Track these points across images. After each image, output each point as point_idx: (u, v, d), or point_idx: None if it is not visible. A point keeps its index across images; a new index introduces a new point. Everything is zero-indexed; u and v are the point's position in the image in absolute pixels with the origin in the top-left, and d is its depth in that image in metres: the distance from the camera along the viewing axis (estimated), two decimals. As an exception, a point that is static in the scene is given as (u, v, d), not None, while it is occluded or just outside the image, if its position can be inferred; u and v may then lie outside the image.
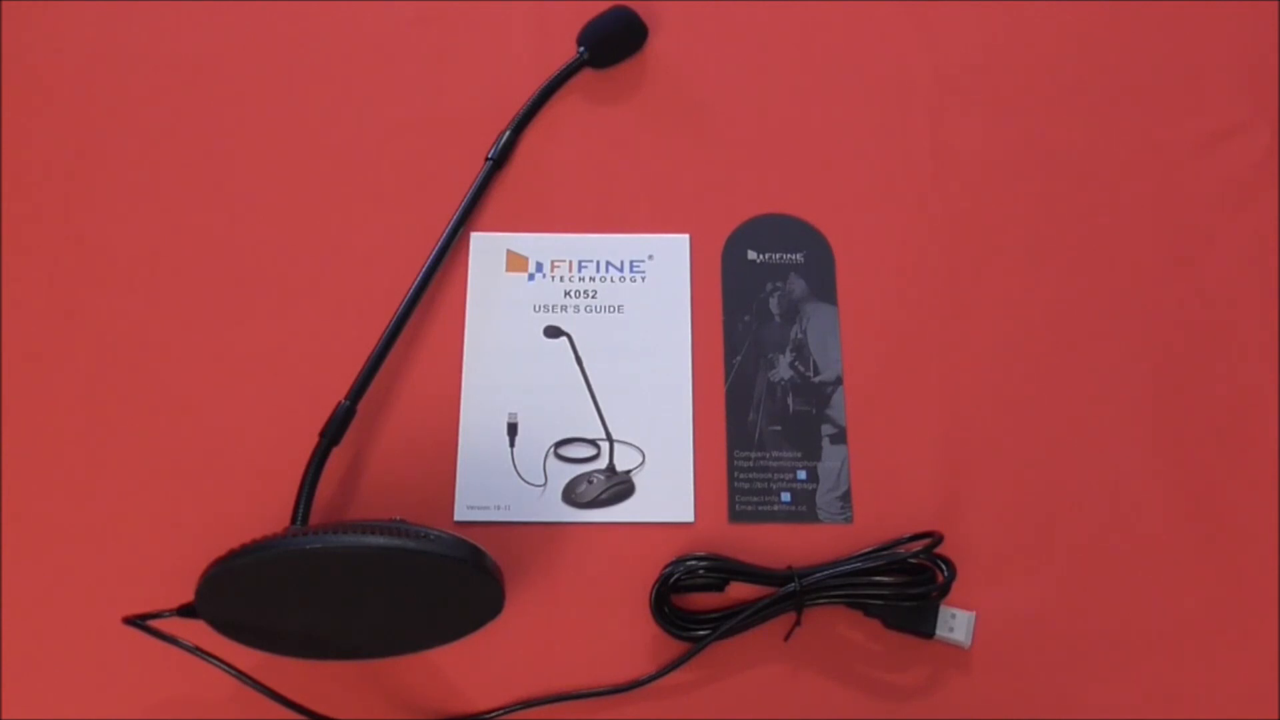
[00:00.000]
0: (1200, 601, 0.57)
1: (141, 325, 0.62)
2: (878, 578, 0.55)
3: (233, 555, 0.48)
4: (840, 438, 0.60)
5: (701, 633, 0.54)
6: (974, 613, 0.55)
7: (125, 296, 0.63)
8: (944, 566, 0.54)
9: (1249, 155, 0.67)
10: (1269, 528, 0.59)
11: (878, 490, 0.59)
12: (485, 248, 0.64)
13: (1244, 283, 0.64)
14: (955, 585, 0.54)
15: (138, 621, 0.51)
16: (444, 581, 0.50)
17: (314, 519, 0.56)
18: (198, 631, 0.51)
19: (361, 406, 0.58)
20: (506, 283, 0.63)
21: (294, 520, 0.54)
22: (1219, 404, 0.61)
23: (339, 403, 0.57)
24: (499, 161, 0.65)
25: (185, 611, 0.50)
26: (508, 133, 0.66)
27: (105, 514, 0.58)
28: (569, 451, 0.60)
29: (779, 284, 0.64)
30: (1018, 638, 0.56)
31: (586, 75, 0.69)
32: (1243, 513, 0.59)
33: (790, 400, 0.61)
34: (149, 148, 0.66)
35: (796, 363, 0.62)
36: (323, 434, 0.56)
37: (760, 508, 0.59)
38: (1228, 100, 0.69)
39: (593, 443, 0.60)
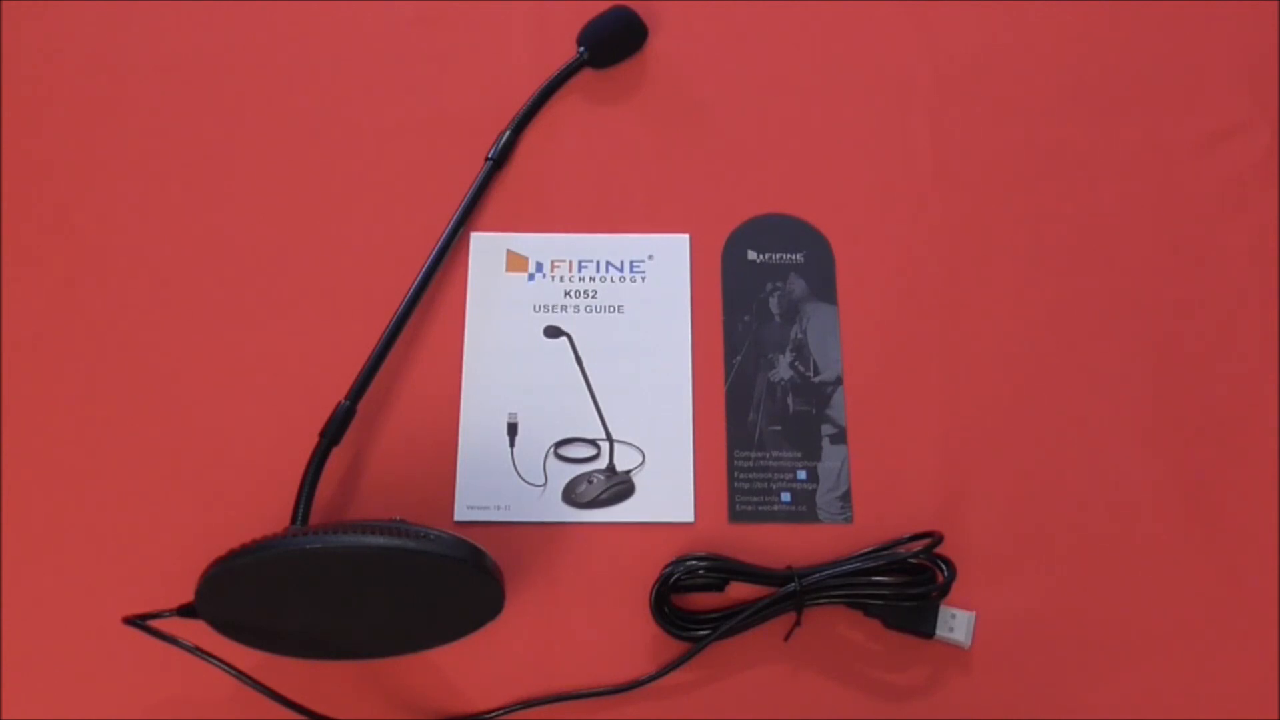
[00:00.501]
0: (1200, 601, 0.57)
1: (142, 325, 0.62)
2: (878, 578, 0.55)
3: (233, 555, 0.48)
4: (840, 438, 0.60)
5: (701, 633, 0.54)
6: (974, 613, 0.55)
7: (125, 296, 0.63)
8: (944, 566, 0.54)
9: (1249, 155, 0.67)
10: (1269, 528, 0.59)
11: (878, 490, 0.59)
12: (485, 248, 0.64)
13: (1244, 283, 0.64)
14: (955, 585, 0.54)
15: (138, 621, 0.51)
16: (444, 581, 0.50)
17: (314, 519, 0.56)
18: (198, 631, 0.51)
19: (361, 406, 0.58)
20: (506, 283, 0.63)
21: (294, 520, 0.54)
22: (1219, 404, 0.61)
23: (339, 403, 0.57)
24: (499, 161, 0.65)
25: (185, 611, 0.50)
26: (508, 133, 0.66)
27: (105, 514, 0.58)
28: (569, 451, 0.59)
29: (779, 284, 0.64)
30: (1018, 638, 0.56)
31: (586, 75, 0.69)
32: (1243, 513, 0.59)
33: (790, 400, 0.61)
34: (149, 148, 0.66)
35: (796, 363, 0.62)
36: (323, 434, 0.56)
37: (760, 508, 0.59)
38: (1228, 100, 0.69)
39: (593, 443, 0.60)
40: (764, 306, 0.63)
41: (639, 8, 0.69)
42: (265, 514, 0.55)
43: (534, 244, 0.64)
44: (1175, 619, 0.57)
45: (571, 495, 0.59)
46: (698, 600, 0.56)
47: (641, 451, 0.60)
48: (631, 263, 0.64)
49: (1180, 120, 0.68)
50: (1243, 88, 0.69)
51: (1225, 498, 0.59)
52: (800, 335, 0.62)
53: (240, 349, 0.61)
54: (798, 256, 0.64)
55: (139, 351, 0.61)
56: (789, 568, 0.55)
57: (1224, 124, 0.68)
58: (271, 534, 0.49)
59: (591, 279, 0.63)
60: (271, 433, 0.59)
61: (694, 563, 0.55)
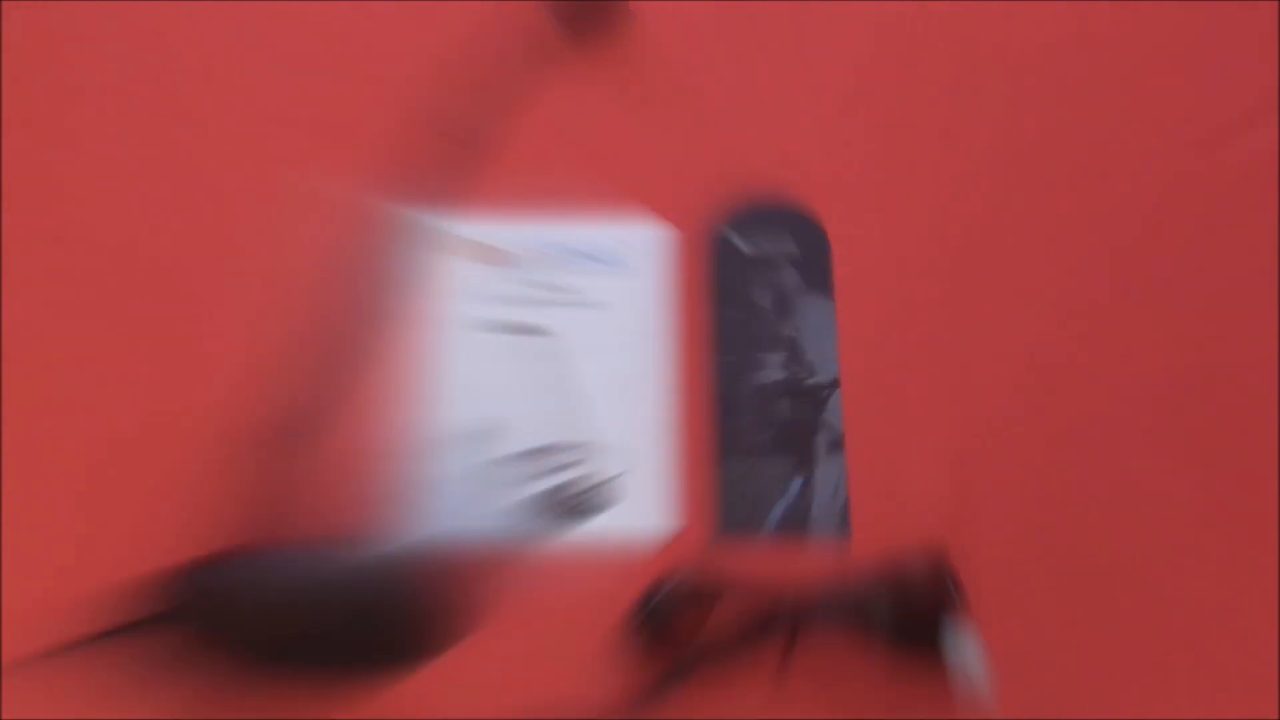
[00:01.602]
0: (1203, 603, 0.57)
1: (140, 325, 0.61)
2: (877, 597, 0.54)
3: (208, 566, 0.50)
4: (837, 445, 0.59)
5: (686, 656, 0.53)
6: (981, 640, 0.53)
7: (123, 296, 0.62)
8: (949, 584, 0.53)
9: (1249, 155, 0.67)
10: (1269, 527, 0.59)
11: (878, 502, 0.58)
12: (457, 239, 0.63)
13: (1244, 282, 0.64)
14: (961, 603, 0.53)
15: (125, 630, 0.51)
16: (411, 600, 0.50)
17: (288, 523, 0.56)
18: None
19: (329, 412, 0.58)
20: (479, 276, 0.62)
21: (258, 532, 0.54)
22: (1224, 406, 0.61)
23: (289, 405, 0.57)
24: (473, 150, 0.64)
25: (171, 617, 0.51)
26: (481, 121, 0.64)
27: (105, 514, 0.57)
28: (544, 459, 0.58)
29: (771, 277, 0.63)
30: (1028, 660, 0.55)
31: (571, 61, 0.67)
32: (1246, 513, 0.59)
33: (783, 404, 0.60)
34: (145, 147, 0.65)
35: (790, 363, 0.61)
36: (281, 438, 0.56)
37: (750, 522, 0.58)
38: (1228, 100, 0.69)
39: (570, 449, 0.59)
40: (754, 302, 0.62)
41: (631, -8, 0.68)
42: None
43: (509, 235, 0.63)
44: (1178, 624, 0.57)
45: (547, 506, 0.57)
46: (682, 621, 0.55)
47: (622, 460, 0.58)
48: (613, 255, 0.63)
49: (1180, 120, 0.68)
50: (1242, 88, 0.69)
51: (1231, 499, 0.59)
52: (794, 333, 0.61)
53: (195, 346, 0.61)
54: (791, 247, 0.63)
55: (138, 350, 0.61)
56: (781, 586, 0.54)
57: (1224, 124, 0.68)
58: (246, 547, 0.51)
59: (570, 272, 0.62)
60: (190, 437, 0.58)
61: (678, 581, 0.54)
